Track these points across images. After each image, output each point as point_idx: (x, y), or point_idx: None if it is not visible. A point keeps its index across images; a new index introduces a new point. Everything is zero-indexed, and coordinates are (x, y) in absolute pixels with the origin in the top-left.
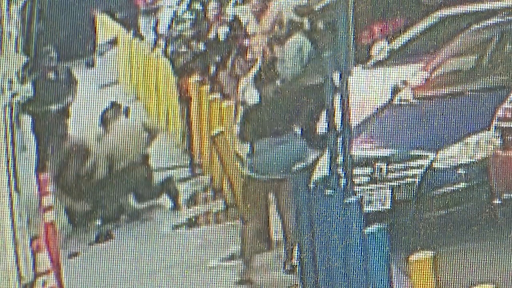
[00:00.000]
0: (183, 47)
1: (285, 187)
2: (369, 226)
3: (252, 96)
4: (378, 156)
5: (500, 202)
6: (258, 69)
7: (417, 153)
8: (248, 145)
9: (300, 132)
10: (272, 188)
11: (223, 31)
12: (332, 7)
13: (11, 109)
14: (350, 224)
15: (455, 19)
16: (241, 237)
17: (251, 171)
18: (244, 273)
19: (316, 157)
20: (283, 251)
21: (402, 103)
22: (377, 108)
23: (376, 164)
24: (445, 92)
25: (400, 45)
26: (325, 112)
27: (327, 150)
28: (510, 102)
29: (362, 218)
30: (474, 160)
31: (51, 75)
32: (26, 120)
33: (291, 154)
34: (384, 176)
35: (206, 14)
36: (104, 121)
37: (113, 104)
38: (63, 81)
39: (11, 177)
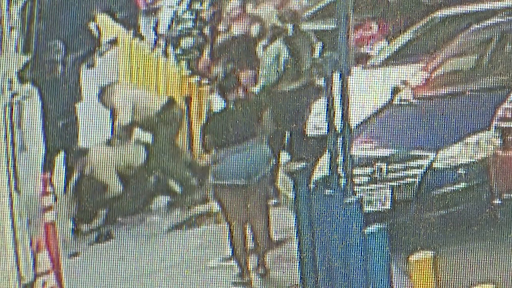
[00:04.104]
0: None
1: (255, 194)
2: (369, 226)
3: (216, 102)
4: (378, 156)
5: (500, 202)
6: (223, 75)
7: (417, 153)
8: (213, 151)
9: (266, 139)
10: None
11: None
12: (332, 7)
13: (11, 109)
14: (350, 224)
15: (455, 19)
16: (230, 240)
17: (213, 178)
18: (242, 274)
19: (273, 165)
20: (242, 261)
21: (402, 103)
22: (377, 108)
23: (376, 164)
24: (445, 92)
25: (400, 45)
26: (324, 112)
27: (327, 150)
28: (510, 102)
29: (362, 218)
30: (474, 160)
31: (58, 69)
32: (36, 118)
33: (252, 161)
34: (384, 176)
35: (223, 13)
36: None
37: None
38: (70, 76)
39: (11, 177)
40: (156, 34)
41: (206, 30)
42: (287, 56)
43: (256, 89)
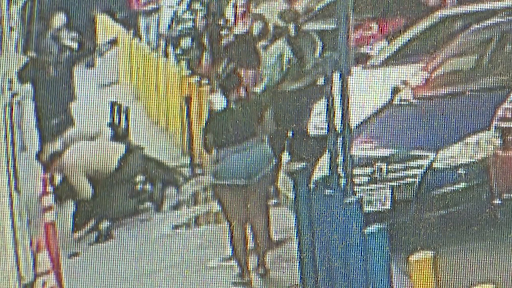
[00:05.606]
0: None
1: (255, 194)
2: (369, 226)
3: (218, 101)
4: (378, 156)
5: (500, 202)
6: (224, 75)
7: (417, 153)
8: (214, 150)
9: (267, 139)
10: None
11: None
12: (332, 7)
13: (11, 109)
14: (350, 224)
15: (455, 19)
16: (231, 240)
17: (213, 177)
18: (242, 274)
19: (275, 164)
20: (242, 261)
21: (402, 103)
22: (377, 108)
23: (376, 164)
24: (445, 92)
25: (400, 45)
26: (325, 112)
27: (327, 150)
28: (510, 102)
29: (362, 218)
30: (474, 160)
31: (52, 70)
32: (30, 119)
33: (253, 161)
34: (384, 176)
35: (225, 14)
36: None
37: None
38: (64, 78)
39: (11, 177)
40: (156, 34)
41: (204, 38)
42: (290, 55)
43: (258, 89)
